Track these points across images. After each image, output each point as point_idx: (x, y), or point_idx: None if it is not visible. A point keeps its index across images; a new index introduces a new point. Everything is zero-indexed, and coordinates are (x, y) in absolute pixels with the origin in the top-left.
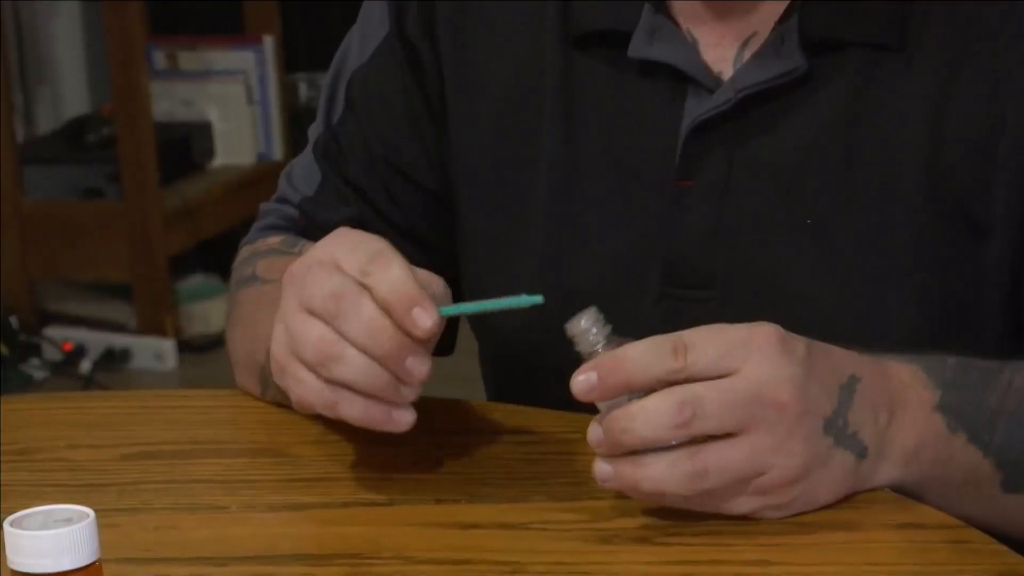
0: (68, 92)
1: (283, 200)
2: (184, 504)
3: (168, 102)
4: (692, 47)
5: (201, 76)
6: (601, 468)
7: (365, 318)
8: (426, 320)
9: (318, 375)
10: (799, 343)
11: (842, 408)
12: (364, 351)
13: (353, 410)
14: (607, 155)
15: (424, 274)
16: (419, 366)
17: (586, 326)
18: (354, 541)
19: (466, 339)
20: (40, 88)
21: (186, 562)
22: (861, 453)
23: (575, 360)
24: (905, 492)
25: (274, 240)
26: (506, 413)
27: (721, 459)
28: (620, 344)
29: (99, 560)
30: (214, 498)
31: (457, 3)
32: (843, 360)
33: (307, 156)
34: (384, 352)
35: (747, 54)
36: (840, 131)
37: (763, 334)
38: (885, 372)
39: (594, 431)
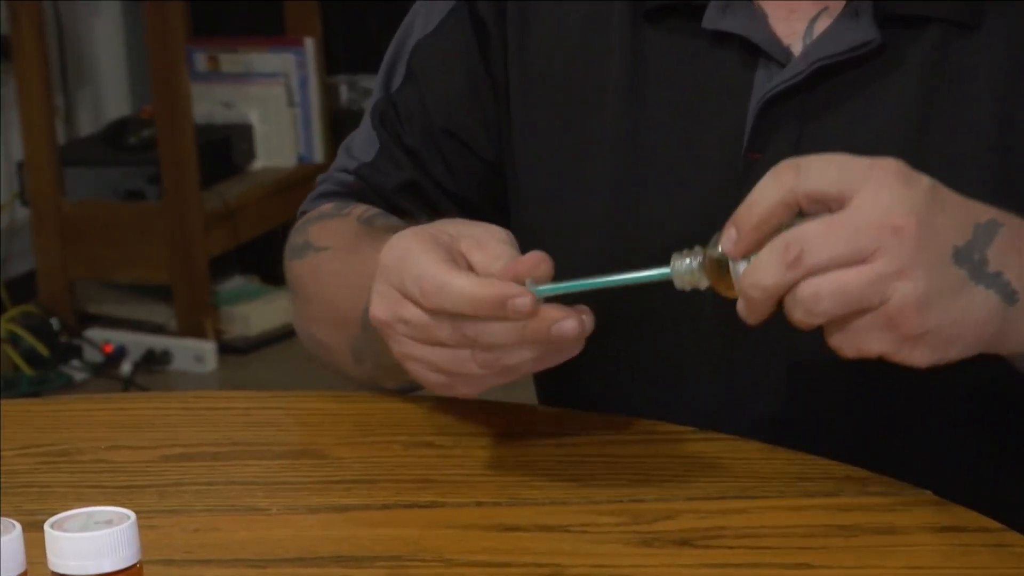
0: (109, 94)
1: (340, 169)
2: (224, 506)
3: (208, 104)
4: (762, 18)
5: (242, 78)
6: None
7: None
8: (524, 305)
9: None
10: (923, 177)
11: (978, 243)
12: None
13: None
14: (675, 127)
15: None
16: (522, 353)
17: (691, 263)
18: (394, 543)
19: None
20: (81, 90)
21: (226, 564)
22: (1009, 296)
23: (618, 345)
24: None
25: (327, 207)
26: (546, 415)
27: (838, 283)
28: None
29: (140, 562)
30: (254, 500)
31: None
32: (982, 207)
33: (365, 125)
34: (491, 363)
35: (817, 28)
36: (912, 107)
37: (884, 164)
38: None
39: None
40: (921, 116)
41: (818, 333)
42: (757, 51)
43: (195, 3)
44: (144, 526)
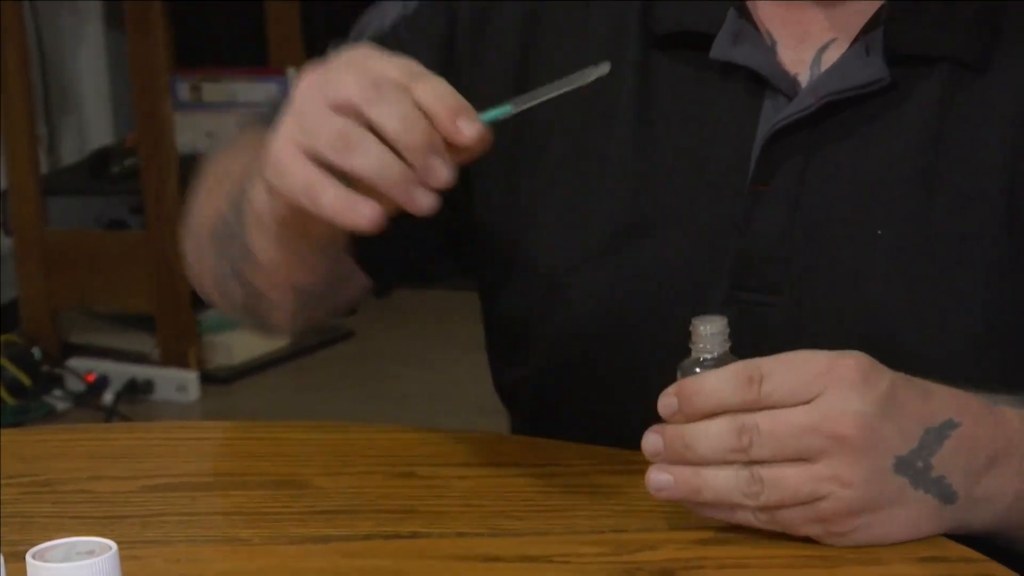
0: (92, 123)
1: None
2: (206, 536)
3: (192, 133)
4: (771, 50)
5: (225, 107)
6: (657, 477)
7: (405, 106)
8: (470, 128)
9: (320, 166)
10: (884, 378)
11: (924, 451)
12: (394, 140)
13: (330, 199)
14: (681, 156)
15: None
16: (443, 167)
17: (706, 332)
18: (376, 574)
19: (486, 368)
20: (64, 119)
21: None
22: (948, 498)
23: (622, 377)
24: (1004, 538)
25: None
26: (527, 446)
27: (777, 476)
28: (727, 362)
29: None
30: (236, 530)
31: (524, 3)
32: (943, 403)
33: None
34: (415, 143)
35: (825, 59)
36: (920, 146)
37: (844, 366)
38: (995, 419)
39: (653, 441)
40: (928, 155)
41: None
42: (765, 82)
43: (179, 32)
44: (126, 557)
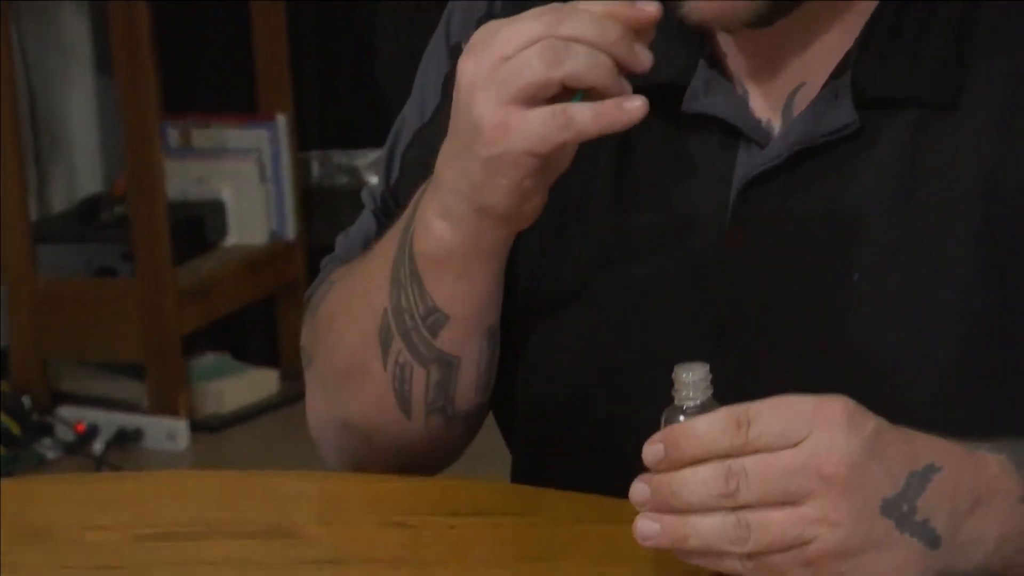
0: (82, 169)
1: (342, 253)
2: None
3: (181, 180)
4: (743, 100)
5: (215, 154)
6: (644, 526)
7: (587, 14)
8: (651, 6)
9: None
10: (869, 421)
11: (910, 493)
12: (596, 42)
13: (585, 112)
14: (660, 207)
15: None
16: (645, 52)
17: (689, 379)
18: None
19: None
20: (54, 165)
21: None
22: (932, 542)
23: (607, 427)
24: None
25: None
26: (516, 494)
27: (764, 521)
28: (711, 409)
29: None
30: None
31: None
32: (925, 448)
33: (364, 213)
34: (614, 35)
35: (796, 104)
36: (892, 188)
37: (830, 409)
38: (975, 463)
39: (640, 490)
40: (901, 195)
41: None
42: (738, 132)
43: (168, 78)
44: None
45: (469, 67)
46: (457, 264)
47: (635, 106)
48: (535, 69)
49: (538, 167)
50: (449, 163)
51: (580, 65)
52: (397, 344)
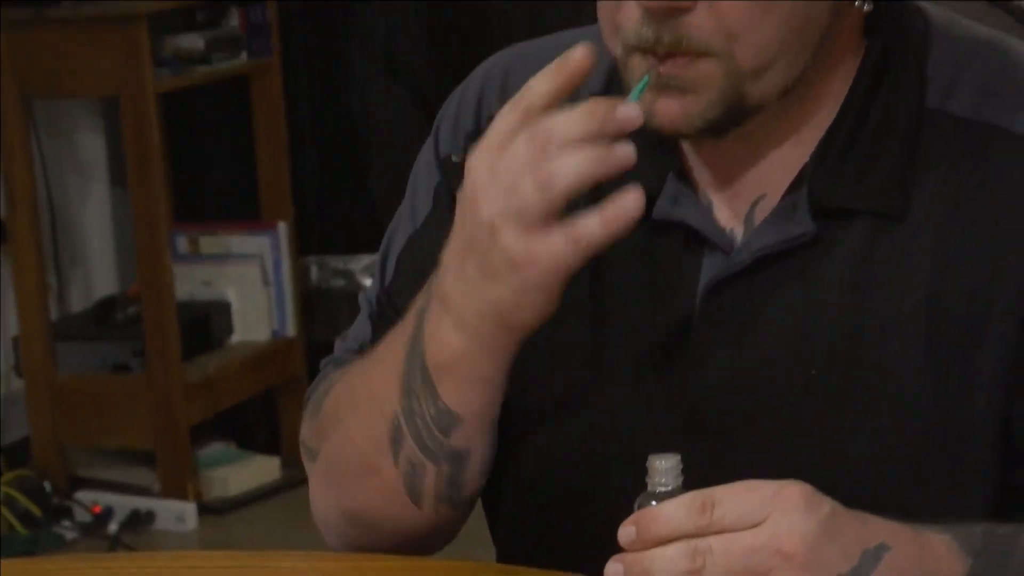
0: (98, 273)
1: (339, 355)
2: None
3: (190, 283)
4: (707, 209)
5: (220, 259)
6: None
7: (569, 115)
8: (627, 109)
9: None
10: (825, 504)
11: (863, 570)
12: (581, 137)
13: (594, 227)
14: (631, 310)
15: None
16: (625, 144)
17: (662, 467)
18: None
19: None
20: (73, 270)
21: None
22: None
23: (586, 514)
24: None
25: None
26: (506, 574)
27: None
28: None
29: None
30: None
31: None
32: (877, 528)
33: (361, 316)
34: (595, 128)
35: (757, 214)
36: (845, 293)
37: (789, 492)
38: (922, 543)
39: (614, 570)
40: (853, 301)
41: None
42: (704, 239)
43: (177, 189)
44: None
45: (484, 208)
46: (473, 369)
47: (632, 197)
48: (536, 191)
49: (565, 279)
50: (467, 291)
51: (572, 169)
52: (409, 444)
